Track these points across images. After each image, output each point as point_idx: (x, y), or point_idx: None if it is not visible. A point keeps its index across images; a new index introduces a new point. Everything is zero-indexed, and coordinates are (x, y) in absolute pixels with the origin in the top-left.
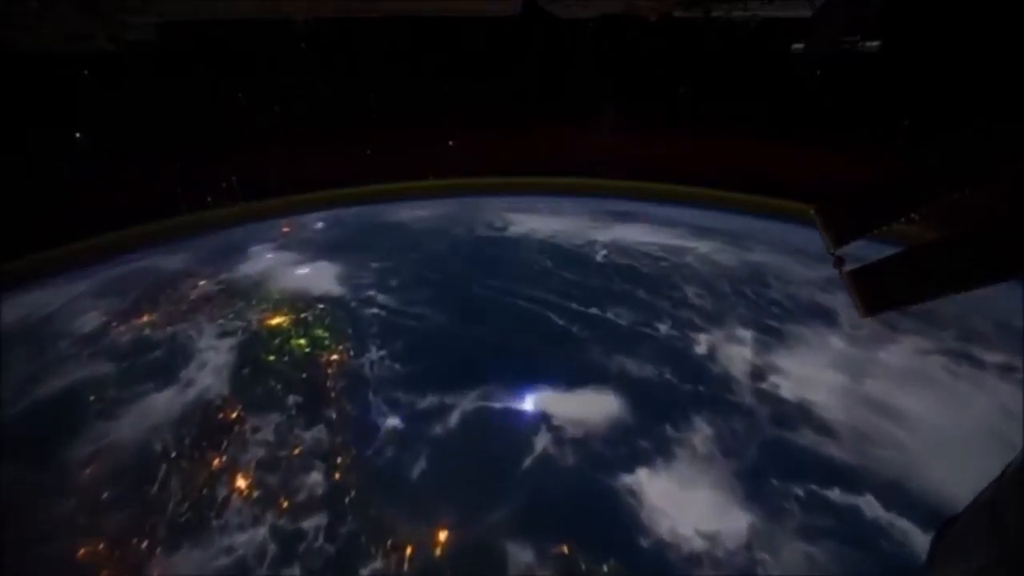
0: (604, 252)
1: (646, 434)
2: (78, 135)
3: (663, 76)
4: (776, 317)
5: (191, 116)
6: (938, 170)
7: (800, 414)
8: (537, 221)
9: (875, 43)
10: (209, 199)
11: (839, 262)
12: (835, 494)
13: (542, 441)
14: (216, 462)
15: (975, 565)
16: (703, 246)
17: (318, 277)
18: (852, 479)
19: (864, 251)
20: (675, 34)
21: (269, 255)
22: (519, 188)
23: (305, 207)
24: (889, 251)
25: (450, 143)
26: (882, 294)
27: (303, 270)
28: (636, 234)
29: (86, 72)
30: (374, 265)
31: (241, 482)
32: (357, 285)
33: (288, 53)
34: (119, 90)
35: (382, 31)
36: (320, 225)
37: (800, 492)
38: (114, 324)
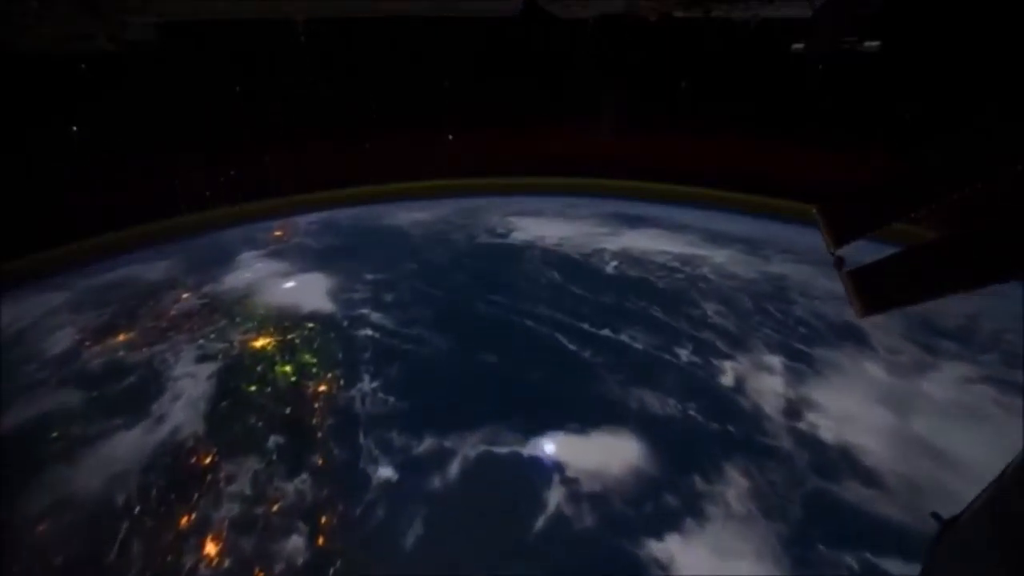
0: (615, 263)
1: (673, 488)
2: (77, 135)
3: (663, 76)
4: (805, 339)
5: (191, 116)
6: (938, 170)
7: (844, 461)
8: (542, 226)
9: (875, 43)
10: (207, 194)
11: (839, 262)
12: (893, 565)
13: (555, 496)
14: (184, 520)
15: (976, 564)
16: (719, 255)
17: (308, 291)
18: (909, 544)
19: (865, 251)
20: (675, 34)
21: (258, 264)
22: (519, 188)
23: (304, 207)
24: (889, 251)
25: (450, 143)
26: (881, 294)
27: (292, 282)
28: (647, 242)
29: (86, 72)
30: (368, 277)
31: (211, 547)
32: (349, 301)
33: (288, 53)
34: (119, 90)
35: (382, 31)
36: (314, 229)
37: (853, 562)
38: (87, 344)
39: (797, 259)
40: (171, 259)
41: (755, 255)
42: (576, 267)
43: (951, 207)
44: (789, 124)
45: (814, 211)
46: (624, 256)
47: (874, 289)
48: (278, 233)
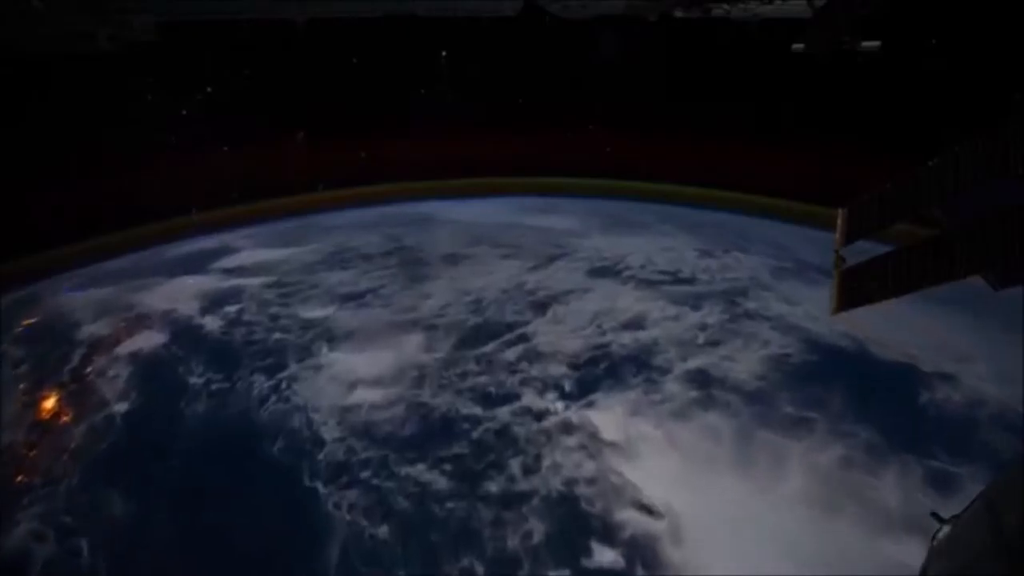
0: None
1: None
2: (77, 135)
3: (663, 76)
4: None
5: (190, 116)
6: (939, 171)
7: None
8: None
9: (875, 43)
10: (204, 199)
11: (840, 262)
12: None
13: None
14: None
15: (975, 564)
16: None
17: None
18: None
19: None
20: (675, 34)
21: None
22: (519, 189)
23: (304, 208)
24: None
25: (448, 144)
26: (857, 293)
27: None
28: None
29: (86, 72)
30: None
31: None
32: None
33: (288, 53)
34: (119, 90)
35: (382, 31)
36: (158, 363)
37: None
38: None
39: None
40: None
41: None
42: None
43: (951, 206)
44: (789, 125)
45: (840, 212)
46: None
47: (854, 288)
48: (97, 360)
